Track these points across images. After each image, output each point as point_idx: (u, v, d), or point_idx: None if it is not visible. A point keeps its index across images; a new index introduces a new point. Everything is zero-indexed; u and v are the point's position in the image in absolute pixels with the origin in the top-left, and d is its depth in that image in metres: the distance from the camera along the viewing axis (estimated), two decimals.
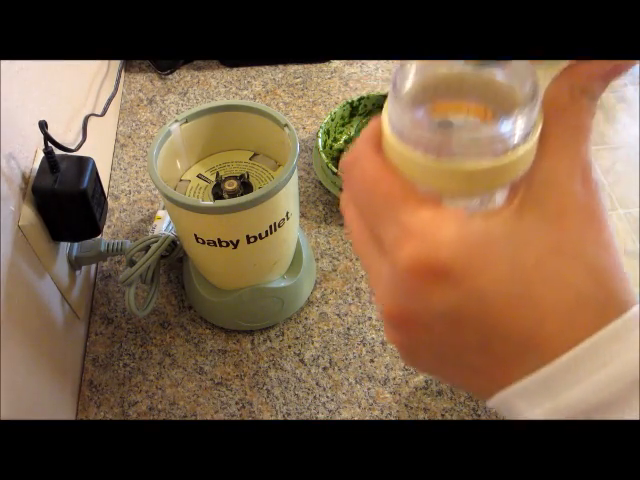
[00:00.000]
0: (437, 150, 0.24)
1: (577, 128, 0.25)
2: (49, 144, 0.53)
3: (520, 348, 0.24)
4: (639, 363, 0.22)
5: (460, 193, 0.25)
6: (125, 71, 0.94)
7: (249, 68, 0.94)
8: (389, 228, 0.24)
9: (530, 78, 0.25)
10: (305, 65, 0.94)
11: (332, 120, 0.79)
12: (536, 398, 0.24)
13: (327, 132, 0.78)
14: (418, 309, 0.24)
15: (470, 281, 0.23)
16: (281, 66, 0.94)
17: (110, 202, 0.77)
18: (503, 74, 0.25)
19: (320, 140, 0.75)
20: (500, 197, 0.26)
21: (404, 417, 0.58)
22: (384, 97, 0.79)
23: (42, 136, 0.53)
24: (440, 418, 0.58)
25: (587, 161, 0.25)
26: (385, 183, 0.25)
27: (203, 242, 0.54)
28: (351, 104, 0.80)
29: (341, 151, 0.79)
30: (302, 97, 0.89)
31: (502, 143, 0.23)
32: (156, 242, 0.60)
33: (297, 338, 0.65)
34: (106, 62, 0.86)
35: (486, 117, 0.27)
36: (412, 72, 0.26)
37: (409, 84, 0.26)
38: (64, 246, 0.61)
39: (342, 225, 0.73)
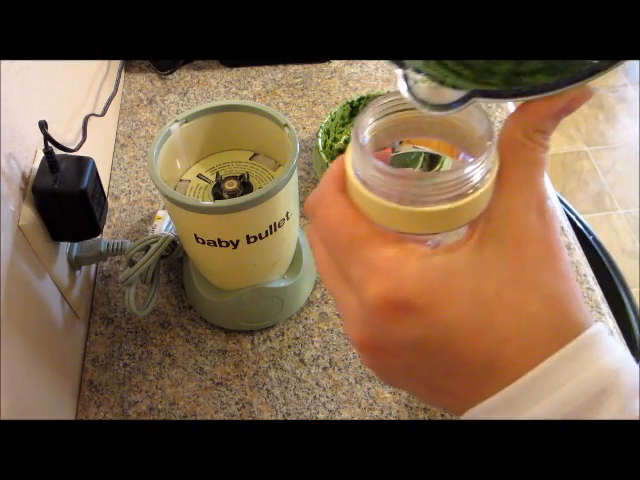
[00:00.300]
0: (399, 198, 0.25)
1: (532, 163, 0.26)
2: (49, 144, 0.53)
3: (484, 372, 0.25)
4: (593, 382, 0.24)
5: (422, 232, 0.26)
6: (125, 71, 0.94)
7: (249, 68, 0.94)
8: (355, 266, 0.26)
9: (485, 118, 0.26)
10: (305, 65, 0.94)
11: (332, 120, 0.79)
12: (500, 416, 0.25)
13: (327, 132, 0.78)
14: (386, 340, 0.26)
15: (434, 314, 0.25)
16: (281, 66, 0.94)
17: (110, 202, 0.77)
18: (460, 115, 0.27)
19: (320, 140, 0.75)
20: (462, 230, 0.27)
21: (404, 417, 0.58)
22: None
23: (42, 136, 0.53)
24: (440, 418, 0.58)
25: (543, 194, 0.26)
26: (349, 224, 0.26)
27: (203, 242, 0.54)
28: (351, 104, 0.80)
29: (341, 151, 0.79)
30: (302, 97, 0.89)
31: (462, 187, 0.25)
32: (156, 242, 0.60)
33: (297, 338, 0.65)
34: (106, 62, 0.86)
35: (452, 154, 0.28)
36: (372, 120, 0.27)
37: (370, 133, 0.27)
38: (64, 246, 0.61)
39: None
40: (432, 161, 0.30)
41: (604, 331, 0.25)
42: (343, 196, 0.27)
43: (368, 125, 0.27)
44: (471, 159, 0.26)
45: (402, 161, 0.29)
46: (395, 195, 0.25)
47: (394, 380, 0.29)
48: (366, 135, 0.27)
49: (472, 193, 0.25)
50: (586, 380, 0.24)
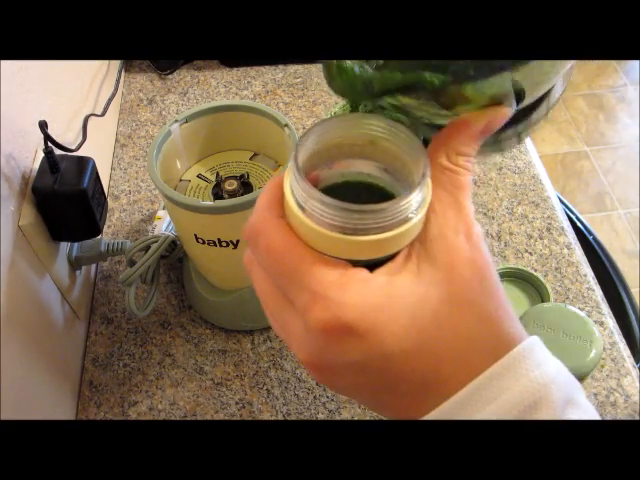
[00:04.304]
0: (341, 229, 0.26)
1: (457, 187, 0.28)
2: (49, 144, 0.53)
3: (422, 390, 0.26)
4: (524, 395, 0.25)
5: (363, 259, 0.27)
6: (125, 71, 0.94)
7: (249, 68, 0.94)
8: (298, 293, 0.27)
9: (418, 148, 0.27)
10: (305, 65, 0.94)
11: None
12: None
13: None
14: (330, 361, 0.27)
15: (373, 337, 0.25)
16: (281, 66, 0.94)
17: (110, 202, 0.77)
18: (391, 138, 0.28)
19: None
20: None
21: None
22: None
23: (42, 136, 0.53)
24: None
25: (469, 217, 0.27)
26: (291, 253, 0.27)
27: (203, 242, 0.54)
28: (351, 104, 0.80)
29: None
30: (302, 97, 0.89)
31: (401, 216, 0.25)
32: (156, 242, 0.60)
33: None
34: (106, 62, 0.86)
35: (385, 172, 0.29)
36: (309, 147, 0.28)
37: (308, 160, 0.28)
38: (64, 246, 0.61)
39: None
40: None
41: (536, 345, 0.26)
42: (282, 223, 0.28)
43: (307, 154, 0.28)
44: (402, 182, 0.28)
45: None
46: (337, 226, 0.26)
47: (342, 392, 0.30)
48: (306, 164, 0.28)
49: (411, 219, 0.26)
50: (517, 394, 0.25)
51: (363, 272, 0.27)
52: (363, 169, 0.29)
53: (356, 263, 0.27)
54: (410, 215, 0.26)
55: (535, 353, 0.26)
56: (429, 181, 0.27)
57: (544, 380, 0.25)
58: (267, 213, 0.28)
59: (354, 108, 0.32)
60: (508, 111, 0.27)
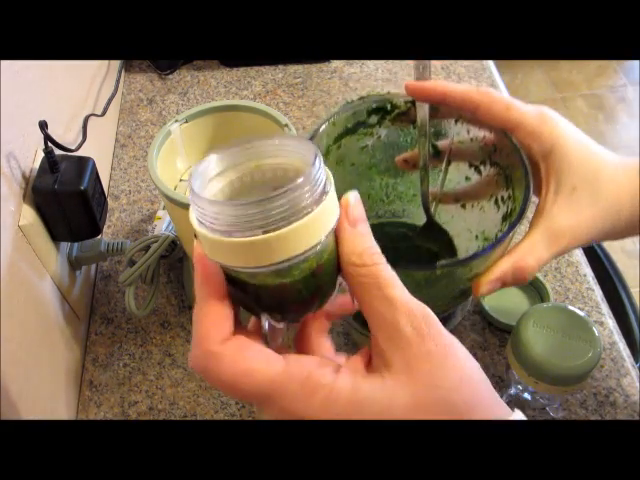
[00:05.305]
0: (242, 228, 0.25)
1: (381, 285, 0.27)
2: (49, 144, 0.53)
3: None
4: None
5: (280, 259, 0.26)
6: (125, 71, 0.94)
7: (249, 68, 0.93)
8: None
9: (308, 149, 0.26)
10: (305, 65, 0.94)
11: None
12: None
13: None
14: None
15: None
16: (281, 66, 0.94)
17: (110, 202, 0.77)
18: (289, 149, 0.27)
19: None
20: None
21: None
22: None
23: (42, 136, 0.53)
24: None
25: (409, 308, 0.27)
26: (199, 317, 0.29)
27: None
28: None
29: None
30: (302, 97, 0.89)
31: (302, 203, 0.24)
32: (156, 242, 0.60)
33: None
34: (106, 62, 0.86)
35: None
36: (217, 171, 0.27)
37: (209, 184, 0.27)
38: (64, 246, 0.61)
39: None
40: None
41: None
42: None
43: (210, 180, 0.27)
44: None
45: None
46: (237, 228, 0.25)
47: None
48: (206, 188, 0.27)
49: (313, 210, 0.25)
50: None
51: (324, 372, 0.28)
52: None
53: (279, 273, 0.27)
54: (309, 203, 0.25)
55: None
56: (327, 172, 0.26)
57: None
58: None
59: None
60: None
